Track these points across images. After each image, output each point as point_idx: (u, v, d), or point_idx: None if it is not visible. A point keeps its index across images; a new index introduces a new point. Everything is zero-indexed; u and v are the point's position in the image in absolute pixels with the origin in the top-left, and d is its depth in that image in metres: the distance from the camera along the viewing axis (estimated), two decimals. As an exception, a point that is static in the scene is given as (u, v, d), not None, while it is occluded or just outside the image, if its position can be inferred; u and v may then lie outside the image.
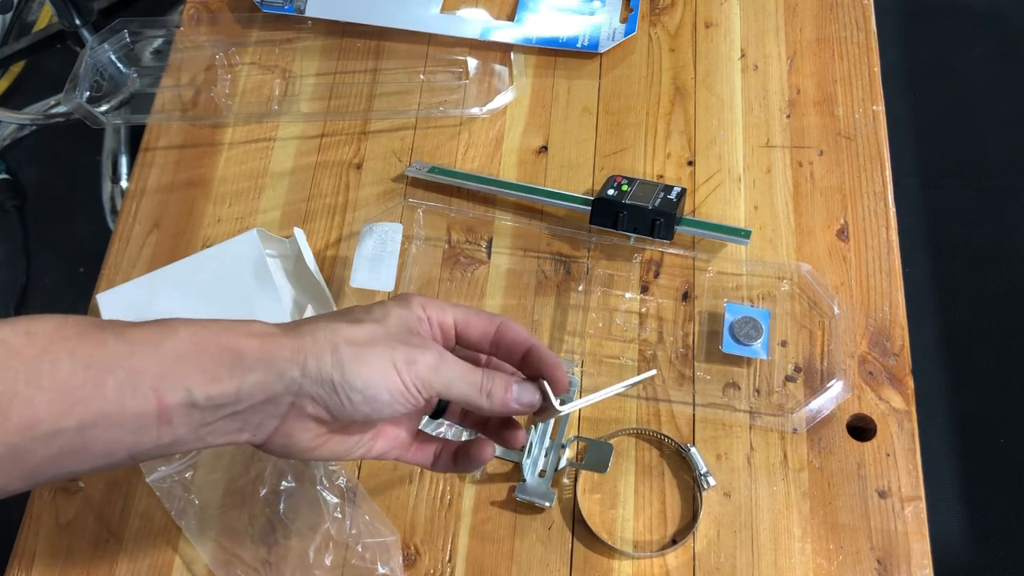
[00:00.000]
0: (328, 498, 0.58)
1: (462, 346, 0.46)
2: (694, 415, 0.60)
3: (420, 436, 0.48)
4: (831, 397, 0.59)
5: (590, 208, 0.65)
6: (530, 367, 0.45)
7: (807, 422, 0.58)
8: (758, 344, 0.60)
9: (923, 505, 0.56)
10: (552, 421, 0.59)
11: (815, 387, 0.60)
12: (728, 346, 0.60)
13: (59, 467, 0.37)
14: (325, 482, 0.58)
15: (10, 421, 0.34)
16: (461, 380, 0.42)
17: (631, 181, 0.66)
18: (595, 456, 0.56)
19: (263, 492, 0.58)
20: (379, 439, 0.45)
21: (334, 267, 0.67)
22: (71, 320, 0.38)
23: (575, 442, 0.59)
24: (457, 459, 0.47)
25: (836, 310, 0.61)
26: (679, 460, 0.59)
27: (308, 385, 0.39)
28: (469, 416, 0.48)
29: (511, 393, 0.43)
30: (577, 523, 0.57)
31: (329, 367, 0.39)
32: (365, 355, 0.39)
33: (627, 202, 0.64)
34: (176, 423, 0.38)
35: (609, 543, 0.56)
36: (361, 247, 0.62)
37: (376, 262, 0.62)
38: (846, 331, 0.61)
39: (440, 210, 0.68)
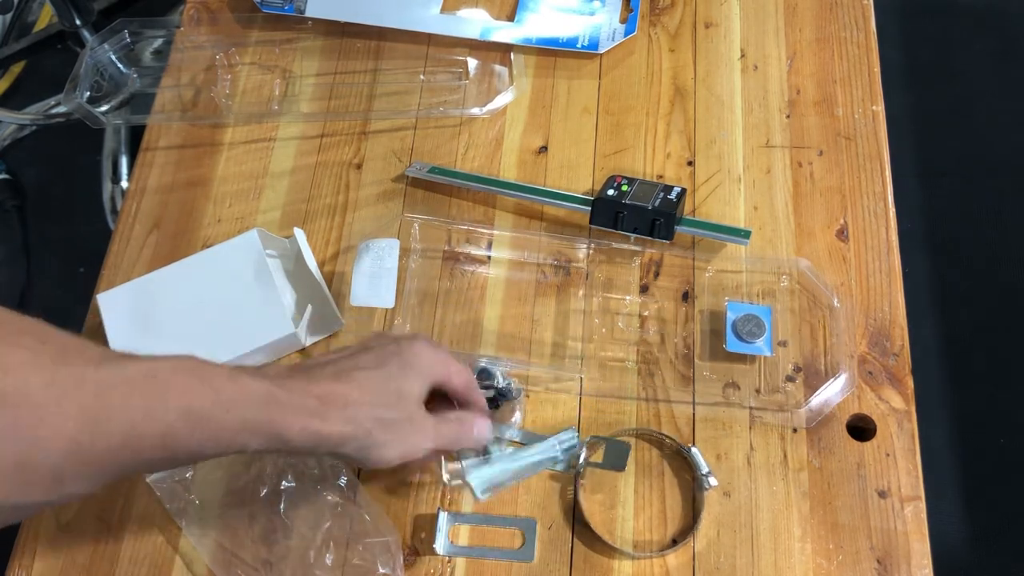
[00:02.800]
0: (328, 498, 0.58)
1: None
2: (694, 415, 0.60)
3: None
4: (831, 396, 0.59)
5: (590, 208, 0.65)
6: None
7: (807, 421, 0.59)
8: (761, 341, 0.59)
9: (923, 505, 0.56)
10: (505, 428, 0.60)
11: (815, 386, 0.60)
12: (732, 344, 0.60)
13: None
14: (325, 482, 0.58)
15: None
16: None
17: (631, 181, 0.66)
18: (613, 456, 0.56)
19: (263, 492, 0.58)
20: None
21: (331, 282, 0.67)
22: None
23: (590, 442, 0.59)
24: None
25: (836, 303, 0.61)
26: (679, 460, 0.59)
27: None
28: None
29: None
30: (577, 523, 0.57)
31: (363, 457, 0.49)
32: (390, 446, 0.49)
33: (627, 202, 0.64)
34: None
35: (609, 543, 0.56)
36: (359, 265, 0.62)
37: (375, 279, 0.61)
38: (846, 330, 0.61)
39: (437, 224, 0.67)
